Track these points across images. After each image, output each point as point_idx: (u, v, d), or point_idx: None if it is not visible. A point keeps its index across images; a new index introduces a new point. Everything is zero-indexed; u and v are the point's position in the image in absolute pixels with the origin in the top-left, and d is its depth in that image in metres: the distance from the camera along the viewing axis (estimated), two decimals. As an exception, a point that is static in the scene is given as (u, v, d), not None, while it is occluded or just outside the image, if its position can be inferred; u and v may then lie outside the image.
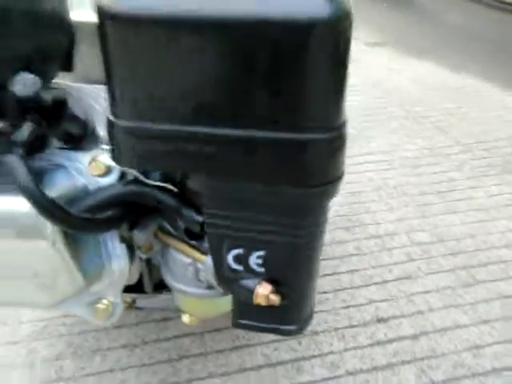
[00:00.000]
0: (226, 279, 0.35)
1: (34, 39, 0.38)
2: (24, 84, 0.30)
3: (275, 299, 0.33)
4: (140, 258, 0.43)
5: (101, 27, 0.25)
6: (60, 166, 0.37)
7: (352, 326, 0.66)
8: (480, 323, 0.67)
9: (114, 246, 0.38)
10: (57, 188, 0.36)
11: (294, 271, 0.33)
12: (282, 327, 0.36)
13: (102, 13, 0.25)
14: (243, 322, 0.36)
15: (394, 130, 1.18)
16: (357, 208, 0.90)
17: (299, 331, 0.37)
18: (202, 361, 0.60)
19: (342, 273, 0.75)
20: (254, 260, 0.33)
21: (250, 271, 0.33)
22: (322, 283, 0.72)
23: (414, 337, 0.65)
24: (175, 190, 0.34)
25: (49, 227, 0.33)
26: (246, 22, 0.24)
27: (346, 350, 0.62)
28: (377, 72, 1.58)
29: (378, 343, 0.64)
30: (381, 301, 0.70)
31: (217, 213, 0.32)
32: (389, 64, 1.68)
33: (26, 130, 0.30)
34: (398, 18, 2.30)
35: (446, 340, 0.65)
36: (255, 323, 0.36)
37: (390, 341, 0.64)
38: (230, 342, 0.62)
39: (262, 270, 0.33)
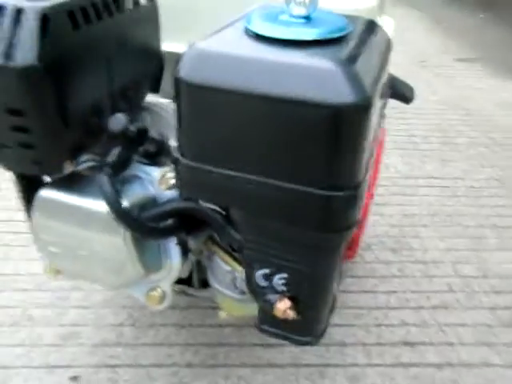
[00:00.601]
0: (254, 291, 0.42)
1: (135, 72, 0.47)
2: (117, 123, 0.38)
3: (291, 314, 0.40)
4: (192, 258, 0.51)
5: (177, 89, 0.33)
6: (138, 178, 0.46)
7: (379, 344, 0.70)
8: (511, 367, 0.68)
9: (171, 247, 0.47)
10: (133, 195, 0.45)
11: (310, 294, 0.40)
12: (297, 338, 0.43)
13: (179, 79, 0.32)
14: (265, 327, 0.44)
15: (469, 156, 1.18)
16: (407, 231, 0.93)
17: (311, 343, 0.43)
18: (237, 350, 0.68)
19: (380, 292, 0.79)
20: (278, 280, 0.40)
21: (273, 288, 0.40)
22: (358, 299, 0.77)
23: (438, 366, 0.68)
24: (222, 212, 0.41)
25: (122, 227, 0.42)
26: (286, 102, 0.30)
27: (369, 365, 0.67)
28: (463, 91, 1.56)
29: (401, 365, 0.68)
30: (412, 325, 0.73)
31: (251, 239, 0.39)
32: (477, 83, 1.64)
33: (114, 155, 0.39)
34: (495, 31, 2.20)
35: (471, 376, 0.67)
36: (274, 330, 0.43)
37: (413, 365, 0.68)
38: (263, 338, 0.69)
39: (283, 288, 0.40)
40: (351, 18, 0.41)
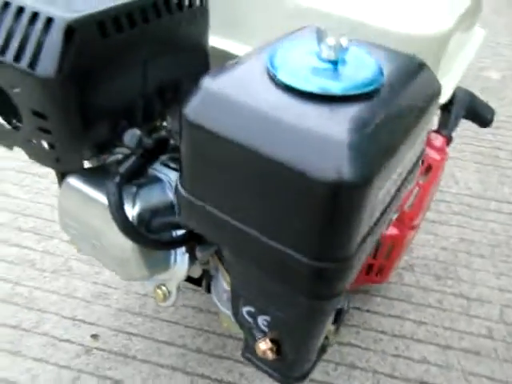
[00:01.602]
0: (240, 322, 0.41)
1: (177, 72, 0.47)
2: (131, 139, 0.39)
3: (270, 355, 0.39)
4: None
5: (180, 122, 0.32)
6: (160, 181, 0.47)
7: (392, 377, 0.68)
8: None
9: (178, 254, 0.48)
10: (148, 199, 0.45)
11: (291, 344, 0.39)
12: (276, 375, 0.42)
13: (183, 114, 0.31)
14: (248, 356, 0.43)
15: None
16: (460, 258, 0.86)
17: (297, 381, 0.43)
18: (246, 347, 0.69)
19: (409, 320, 0.75)
20: (262, 321, 0.39)
21: (257, 327, 0.40)
22: (383, 322, 0.74)
23: (449, 415, 0.65)
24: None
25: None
26: (280, 164, 0.28)
27: (374, 394, 0.66)
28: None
29: (409, 404, 0.65)
30: (434, 364, 0.70)
31: (237, 276, 0.38)
32: None
33: (125, 165, 0.40)
34: None
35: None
36: (256, 362, 0.43)
37: (422, 408, 0.65)
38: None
39: (266, 329, 0.39)
40: (396, 59, 0.37)
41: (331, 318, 0.41)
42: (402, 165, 0.34)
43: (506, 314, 0.77)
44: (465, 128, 1.11)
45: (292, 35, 0.39)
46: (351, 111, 0.30)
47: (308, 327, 0.37)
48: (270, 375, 0.43)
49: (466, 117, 0.71)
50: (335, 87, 0.31)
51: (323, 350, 0.45)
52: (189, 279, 0.55)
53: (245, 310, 0.40)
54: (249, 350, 0.43)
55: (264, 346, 0.39)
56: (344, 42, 0.32)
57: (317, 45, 0.33)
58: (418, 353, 0.71)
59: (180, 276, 0.49)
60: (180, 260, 0.48)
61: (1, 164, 0.96)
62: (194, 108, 0.31)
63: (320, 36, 0.32)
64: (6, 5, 0.35)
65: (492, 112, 0.71)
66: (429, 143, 0.65)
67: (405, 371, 0.69)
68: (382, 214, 0.35)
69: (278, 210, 0.30)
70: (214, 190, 0.33)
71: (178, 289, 0.51)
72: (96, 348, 0.68)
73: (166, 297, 0.51)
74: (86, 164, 0.47)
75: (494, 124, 1.14)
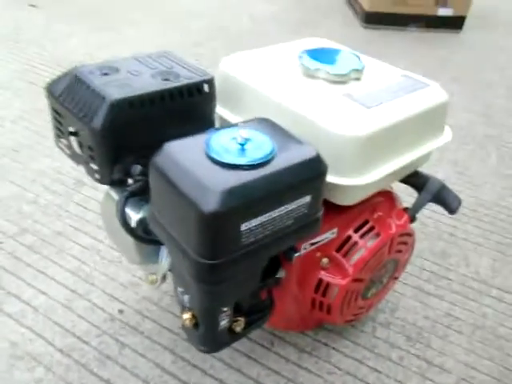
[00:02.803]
0: (177, 298, 0.63)
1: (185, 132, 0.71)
2: (134, 170, 0.63)
3: (189, 325, 0.60)
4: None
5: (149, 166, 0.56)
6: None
7: None
8: None
9: (164, 253, 0.71)
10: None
11: (198, 317, 0.59)
12: (194, 343, 0.62)
13: (151, 162, 0.55)
14: (182, 328, 0.64)
15: None
16: (436, 329, 0.96)
17: (205, 352, 0.62)
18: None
19: (366, 365, 0.87)
20: (186, 298, 0.60)
21: (184, 303, 0.61)
22: (343, 361, 0.88)
23: None
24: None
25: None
26: (185, 198, 0.50)
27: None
28: None
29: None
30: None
31: (173, 267, 0.60)
32: None
33: (132, 187, 0.65)
34: None
35: None
36: (185, 332, 0.63)
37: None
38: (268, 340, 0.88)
39: (188, 305, 0.60)
40: (295, 146, 0.57)
41: (230, 312, 0.60)
42: (269, 215, 0.53)
43: (460, 385, 0.86)
44: (501, 219, 1.20)
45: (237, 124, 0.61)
46: (238, 173, 0.51)
47: (202, 305, 0.57)
48: (192, 343, 0.63)
49: (436, 202, 0.85)
50: (236, 159, 0.53)
51: (234, 335, 0.63)
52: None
53: (179, 289, 0.61)
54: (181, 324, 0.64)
55: (185, 316, 0.60)
56: (245, 133, 0.54)
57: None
58: (361, 394, 0.83)
59: (164, 268, 0.72)
60: (164, 257, 0.71)
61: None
62: (156, 159, 0.55)
63: (237, 127, 0.54)
64: (79, 82, 0.64)
65: (459, 201, 0.84)
66: (393, 216, 0.81)
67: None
68: (258, 243, 0.54)
69: (183, 221, 0.52)
70: (158, 208, 0.56)
71: (163, 278, 0.74)
72: (119, 319, 0.93)
73: (154, 282, 0.74)
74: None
75: None
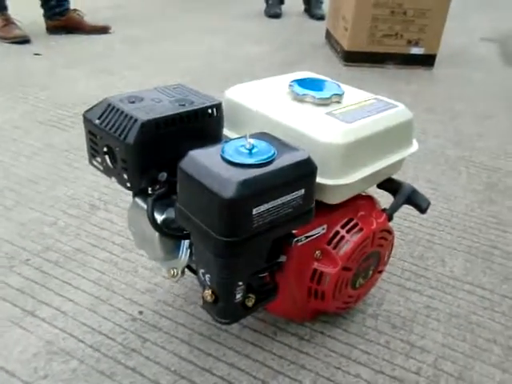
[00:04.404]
0: (198, 279, 0.77)
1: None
2: (161, 177, 0.78)
3: (210, 300, 0.73)
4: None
5: (177, 169, 0.71)
6: (180, 205, 0.86)
7: (329, 380, 0.93)
8: None
9: (183, 248, 0.85)
10: (173, 210, 0.84)
11: (217, 293, 0.73)
12: (213, 316, 0.76)
13: (179, 165, 0.70)
14: (201, 305, 0.78)
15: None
16: (418, 318, 1.09)
17: (224, 323, 0.75)
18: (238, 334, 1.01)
19: (357, 348, 1.00)
20: (207, 277, 0.73)
21: (205, 281, 0.74)
22: (337, 345, 1.00)
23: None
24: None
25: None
26: (207, 189, 0.65)
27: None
28: None
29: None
30: (365, 381, 0.94)
31: (196, 252, 0.74)
32: None
33: (159, 191, 0.79)
34: None
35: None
36: (205, 307, 0.77)
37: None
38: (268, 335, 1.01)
39: (209, 283, 0.74)
40: (291, 151, 0.73)
41: (244, 287, 0.74)
42: (273, 202, 0.68)
43: (439, 362, 0.99)
44: (472, 227, 1.36)
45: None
46: (248, 170, 0.66)
47: (221, 280, 0.71)
48: (211, 315, 0.76)
49: (409, 204, 1.01)
50: (246, 160, 0.68)
51: (246, 309, 0.77)
52: (189, 268, 0.91)
53: (201, 271, 0.75)
54: (202, 301, 0.78)
55: (206, 293, 0.74)
56: (252, 141, 0.69)
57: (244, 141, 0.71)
58: (355, 370, 0.96)
59: (183, 263, 0.86)
60: (184, 252, 0.85)
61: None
62: (182, 163, 0.70)
63: (244, 139, 0.70)
64: (113, 109, 0.79)
65: (428, 203, 0.99)
66: (373, 215, 0.96)
67: (339, 379, 0.94)
68: (265, 226, 0.68)
69: (206, 208, 0.67)
70: (185, 202, 0.71)
71: (183, 272, 0.88)
72: (139, 319, 1.05)
73: (174, 276, 0.88)
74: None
75: (501, 228, 1.38)
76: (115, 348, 0.98)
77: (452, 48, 3.39)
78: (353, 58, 2.95)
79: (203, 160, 0.69)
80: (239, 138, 0.75)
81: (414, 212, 1.27)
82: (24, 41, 2.86)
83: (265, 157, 0.69)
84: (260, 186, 0.66)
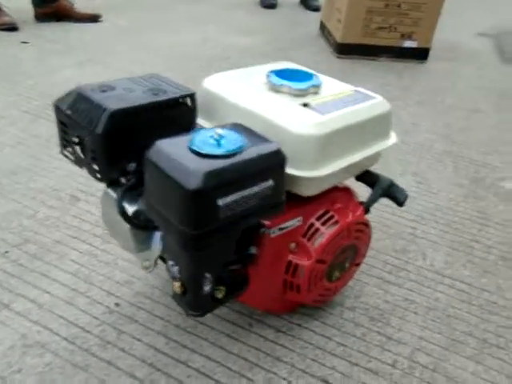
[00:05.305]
0: (168, 270, 0.76)
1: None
2: (129, 168, 0.77)
3: (179, 292, 0.73)
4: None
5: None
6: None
7: (304, 372, 0.93)
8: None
9: (155, 237, 0.84)
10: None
11: (186, 285, 0.72)
12: (183, 308, 0.75)
13: (146, 154, 0.69)
14: (172, 296, 0.77)
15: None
16: (396, 311, 1.09)
17: (193, 315, 0.74)
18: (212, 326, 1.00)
19: (333, 340, 1.00)
20: (175, 269, 0.73)
21: (175, 273, 0.74)
22: (314, 337, 1.00)
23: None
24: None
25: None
26: (172, 179, 0.64)
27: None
28: None
29: None
30: (339, 372, 0.94)
31: (165, 244, 0.73)
32: None
33: (129, 182, 0.78)
34: None
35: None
36: (176, 299, 0.76)
37: None
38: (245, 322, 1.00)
39: (178, 275, 0.73)
40: (262, 142, 0.72)
41: (213, 279, 0.73)
42: (240, 193, 0.67)
43: (415, 354, 0.99)
44: (455, 221, 1.35)
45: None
46: (215, 161, 0.66)
47: (188, 272, 0.70)
48: (181, 307, 0.76)
49: (386, 196, 1.00)
50: (214, 151, 0.67)
51: (216, 301, 0.76)
52: (162, 259, 0.90)
53: (170, 263, 0.74)
54: (172, 293, 0.77)
55: (175, 284, 0.73)
56: (220, 131, 0.68)
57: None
58: (331, 362, 0.96)
59: (156, 254, 0.85)
60: (156, 244, 0.85)
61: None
62: (149, 153, 0.69)
63: (213, 128, 0.69)
64: (83, 98, 0.78)
65: (405, 196, 0.99)
66: (350, 208, 0.95)
67: (315, 371, 0.94)
68: (232, 217, 0.68)
69: (171, 200, 0.66)
70: (152, 194, 0.70)
71: (156, 263, 0.87)
72: (116, 311, 1.04)
73: (147, 267, 0.87)
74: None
75: (483, 223, 1.38)
76: (91, 340, 0.97)
77: (447, 43, 3.38)
78: (346, 50, 2.94)
79: (170, 150, 0.68)
80: (209, 128, 0.74)
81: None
82: (12, 28, 2.82)
83: (233, 148, 0.68)
84: (226, 177, 0.65)
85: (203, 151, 0.67)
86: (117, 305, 1.06)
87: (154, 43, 2.89)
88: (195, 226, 0.64)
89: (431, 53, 2.99)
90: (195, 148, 0.67)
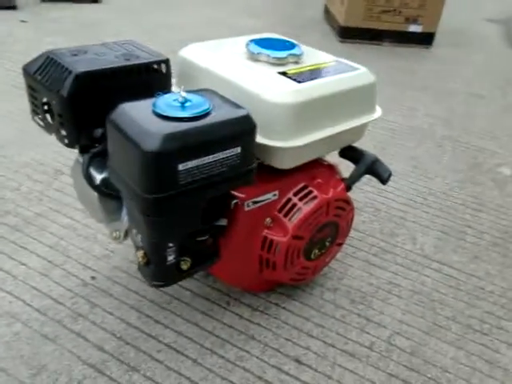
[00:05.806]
0: (132, 239, 0.73)
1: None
2: (95, 133, 0.74)
3: (142, 262, 0.70)
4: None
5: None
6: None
7: (277, 351, 0.91)
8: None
9: (125, 211, 0.81)
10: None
11: (148, 254, 0.69)
12: (147, 279, 0.72)
13: (108, 117, 0.66)
14: (138, 268, 0.74)
15: None
16: (379, 294, 1.06)
17: (155, 286, 0.72)
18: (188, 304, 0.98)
19: (311, 321, 0.97)
20: (139, 238, 0.70)
21: (138, 242, 0.71)
22: (291, 318, 0.97)
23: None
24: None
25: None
26: (131, 140, 0.61)
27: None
28: None
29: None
30: (314, 353, 0.91)
31: (128, 212, 0.71)
32: None
33: (96, 148, 0.76)
34: None
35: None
36: (140, 270, 0.74)
37: None
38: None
39: (141, 244, 0.70)
40: (231, 106, 0.69)
41: (176, 249, 0.71)
42: (203, 159, 0.64)
43: (393, 337, 0.96)
44: (448, 206, 1.32)
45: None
46: (177, 123, 0.62)
47: (150, 239, 0.68)
48: (145, 279, 0.73)
49: (370, 174, 0.96)
50: (177, 113, 0.64)
51: (182, 272, 0.74)
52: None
53: (133, 231, 0.72)
54: (138, 264, 0.74)
55: (138, 254, 0.71)
56: (184, 95, 0.65)
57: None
58: (306, 343, 0.93)
59: (125, 225, 0.82)
60: (125, 215, 0.82)
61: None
62: (111, 115, 0.66)
63: (180, 92, 0.66)
64: (51, 61, 0.75)
65: (389, 173, 0.95)
66: (331, 185, 0.92)
67: (288, 350, 0.91)
68: (195, 183, 0.65)
69: (131, 163, 0.63)
70: (114, 157, 0.67)
71: (125, 234, 0.84)
72: (91, 284, 1.02)
73: (117, 238, 0.84)
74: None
75: (477, 208, 1.34)
76: (63, 312, 0.95)
77: (453, 27, 3.30)
78: (349, 33, 2.88)
79: (133, 112, 0.65)
80: (175, 92, 0.70)
81: (389, 188, 1.24)
82: (11, 6, 2.80)
83: (197, 111, 0.65)
84: (188, 140, 0.62)
85: (165, 113, 0.63)
86: (93, 278, 1.04)
87: (154, 24, 2.85)
88: (153, 190, 0.62)
89: (437, 38, 2.92)
90: (158, 111, 0.64)
